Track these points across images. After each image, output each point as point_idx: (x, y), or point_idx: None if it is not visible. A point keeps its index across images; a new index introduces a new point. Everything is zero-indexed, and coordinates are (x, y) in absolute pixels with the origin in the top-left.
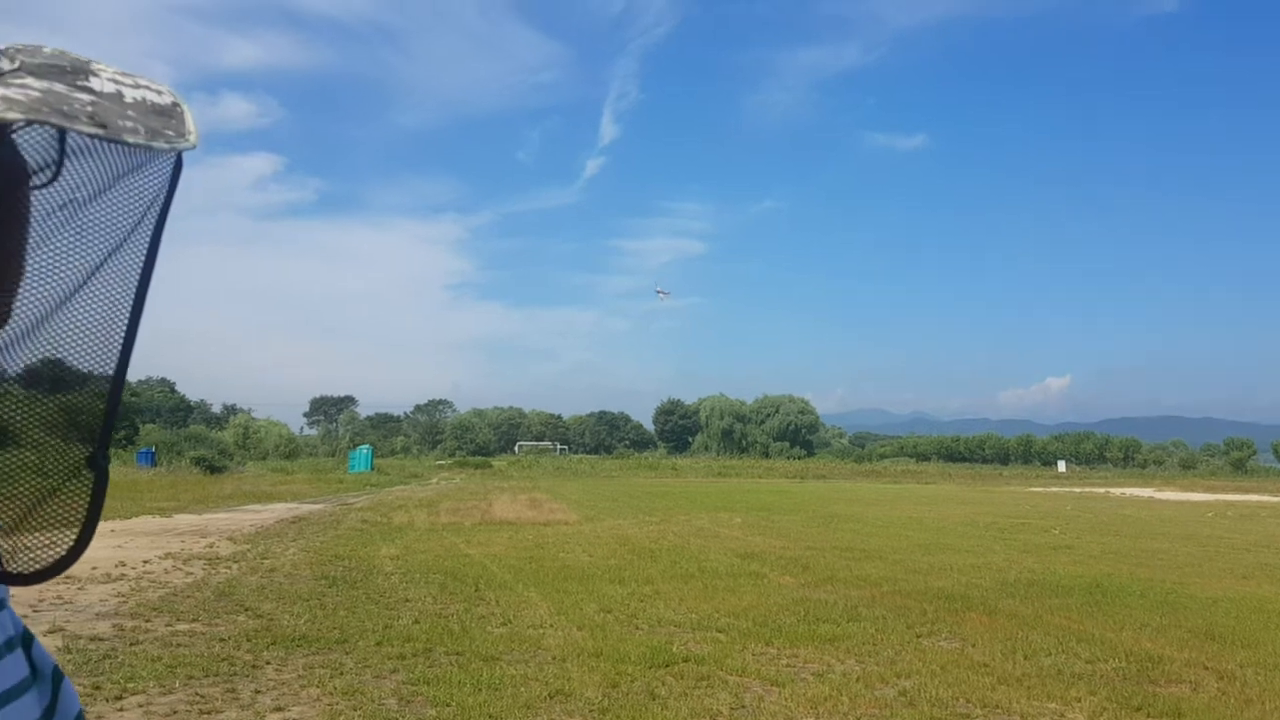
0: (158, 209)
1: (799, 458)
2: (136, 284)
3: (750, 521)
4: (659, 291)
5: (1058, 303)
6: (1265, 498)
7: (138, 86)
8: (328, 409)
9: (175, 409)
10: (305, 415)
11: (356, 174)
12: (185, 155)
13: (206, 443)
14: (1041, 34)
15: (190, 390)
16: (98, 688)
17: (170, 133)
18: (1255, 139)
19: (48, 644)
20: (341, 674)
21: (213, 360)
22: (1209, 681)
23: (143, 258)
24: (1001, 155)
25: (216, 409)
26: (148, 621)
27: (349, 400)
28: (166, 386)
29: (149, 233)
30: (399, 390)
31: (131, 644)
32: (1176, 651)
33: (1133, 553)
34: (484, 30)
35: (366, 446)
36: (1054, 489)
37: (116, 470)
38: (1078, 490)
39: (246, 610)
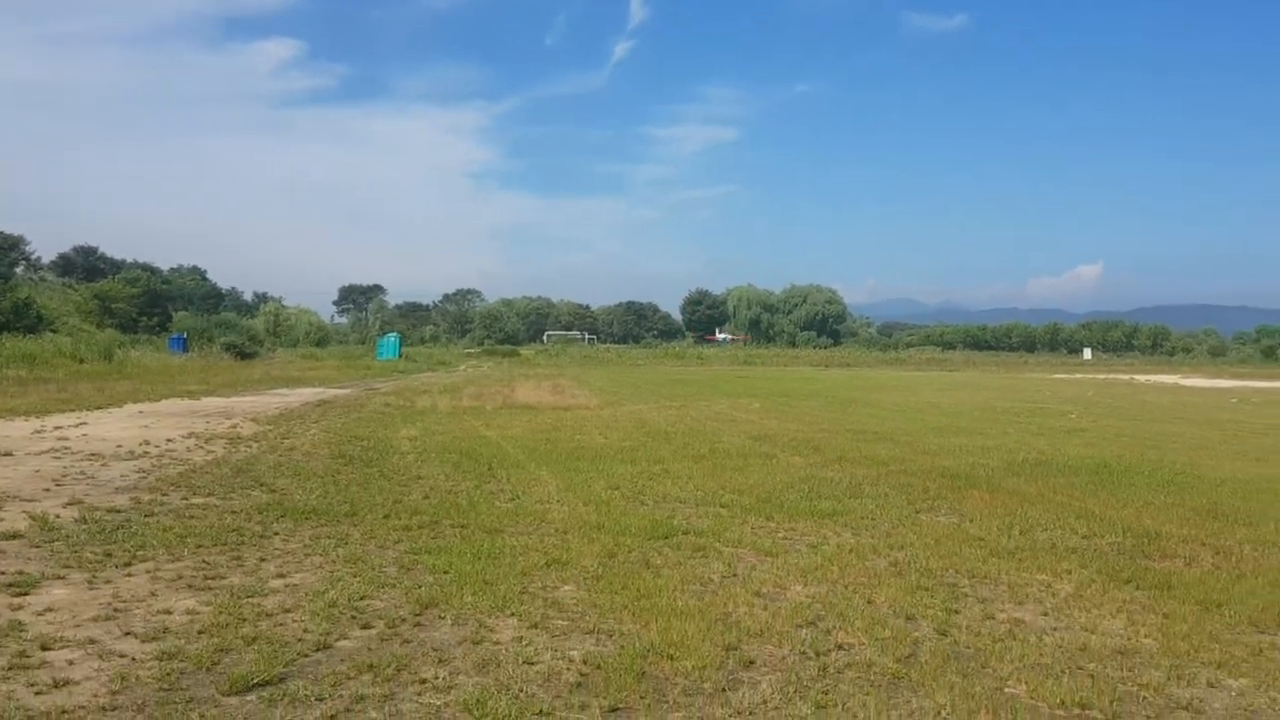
0: None
1: (825, 347)
2: None
3: (769, 406)
4: (727, 337)
5: (1090, 190)
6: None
7: None
8: (357, 298)
9: (207, 296)
10: (335, 304)
11: (379, 59)
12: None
13: (237, 329)
14: None
15: (221, 279)
16: (109, 555)
17: None
18: None
19: (65, 516)
20: (346, 544)
21: (243, 249)
22: (1204, 557)
23: None
24: (1040, 38)
25: (248, 297)
26: (164, 495)
27: (378, 289)
28: (198, 274)
29: None
30: (427, 279)
31: (146, 515)
32: (1176, 528)
33: (1147, 436)
34: None
35: (395, 334)
36: (1078, 376)
37: (148, 355)
38: (1102, 377)
39: (261, 485)
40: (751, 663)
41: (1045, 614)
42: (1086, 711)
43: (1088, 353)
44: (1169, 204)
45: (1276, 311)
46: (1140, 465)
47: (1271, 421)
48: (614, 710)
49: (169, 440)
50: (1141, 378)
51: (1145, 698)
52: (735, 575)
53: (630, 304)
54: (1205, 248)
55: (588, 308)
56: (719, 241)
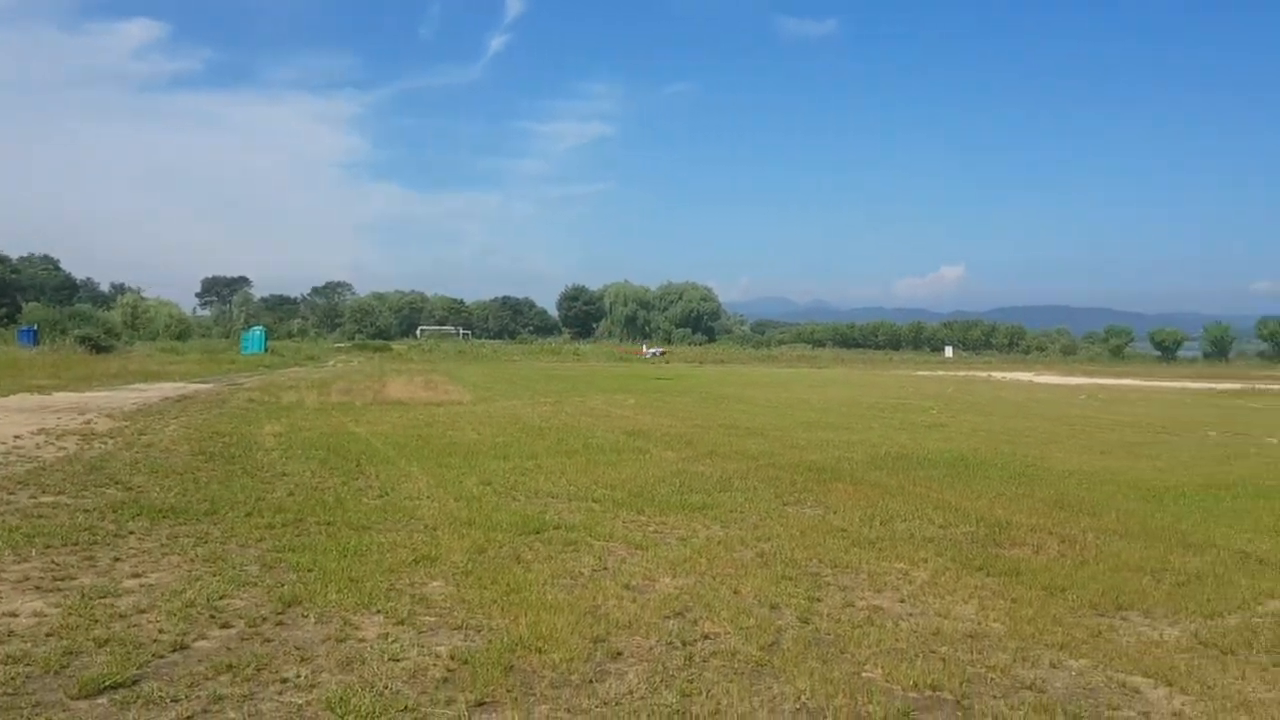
0: None
1: (700, 344)
2: None
3: (643, 402)
4: (656, 350)
5: (955, 193)
6: (1136, 381)
7: None
8: (221, 290)
9: (60, 287)
10: (198, 296)
11: (247, 43)
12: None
13: (92, 321)
14: None
15: (76, 269)
16: None
17: None
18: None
19: None
20: (206, 542)
21: (100, 238)
22: (1051, 545)
23: None
24: (906, 42)
25: (104, 288)
26: (11, 494)
27: (243, 281)
28: (50, 264)
29: None
30: (296, 272)
31: None
32: (1026, 518)
33: (1002, 431)
34: None
35: (260, 328)
36: (939, 373)
37: None
38: (962, 374)
39: (116, 484)
40: (619, 654)
41: (902, 601)
42: (938, 693)
43: (949, 351)
44: (1027, 208)
45: (1125, 313)
46: (994, 459)
47: (1117, 417)
48: (480, 705)
49: (17, 437)
50: (998, 375)
51: (992, 679)
52: (606, 569)
53: (506, 299)
54: (1060, 251)
55: (463, 303)
56: (596, 238)
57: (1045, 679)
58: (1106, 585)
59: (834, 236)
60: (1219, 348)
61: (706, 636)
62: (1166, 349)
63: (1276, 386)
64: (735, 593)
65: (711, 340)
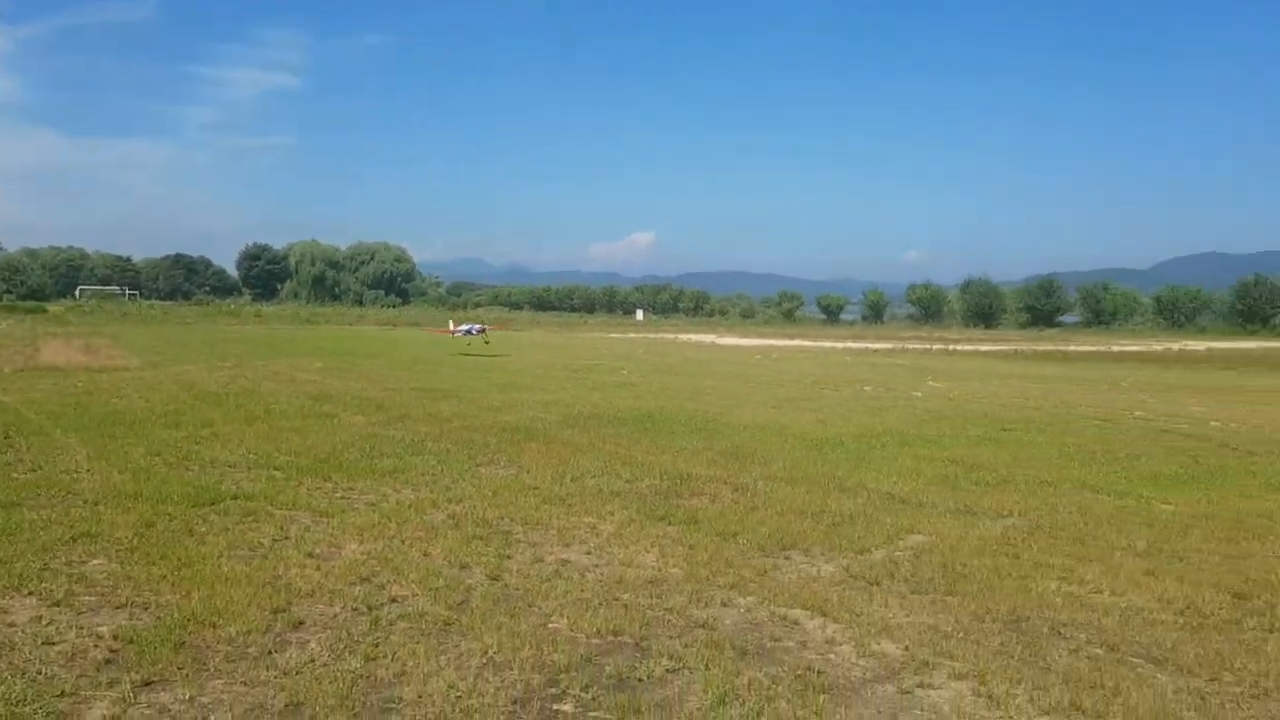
0: None
1: (394, 306)
2: None
3: (332, 366)
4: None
5: (647, 163)
6: (805, 342)
7: None
8: None
9: None
10: None
11: None
12: None
13: None
14: None
15: None
16: None
17: None
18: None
19: None
20: None
21: None
22: (726, 493)
23: None
24: (610, 9)
25: None
26: None
27: None
28: None
29: None
30: None
31: None
32: (705, 469)
33: (687, 389)
34: None
35: None
36: (630, 335)
37: None
38: (652, 336)
39: None
40: (301, 623)
41: (589, 553)
42: (619, 637)
43: (640, 314)
44: (712, 181)
45: (796, 279)
46: (679, 415)
47: (787, 375)
48: (147, 684)
49: None
50: (685, 337)
51: (670, 620)
52: (288, 538)
53: (179, 257)
54: (740, 222)
55: (130, 260)
56: (281, 194)
57: (717, 617)
58: (773, 528)
59: (531, 200)
60: (876, 311)
61: (394, 600)
62: (831, 312)
63: (921, 346)
64: (425, 555)
65: (406, 302)
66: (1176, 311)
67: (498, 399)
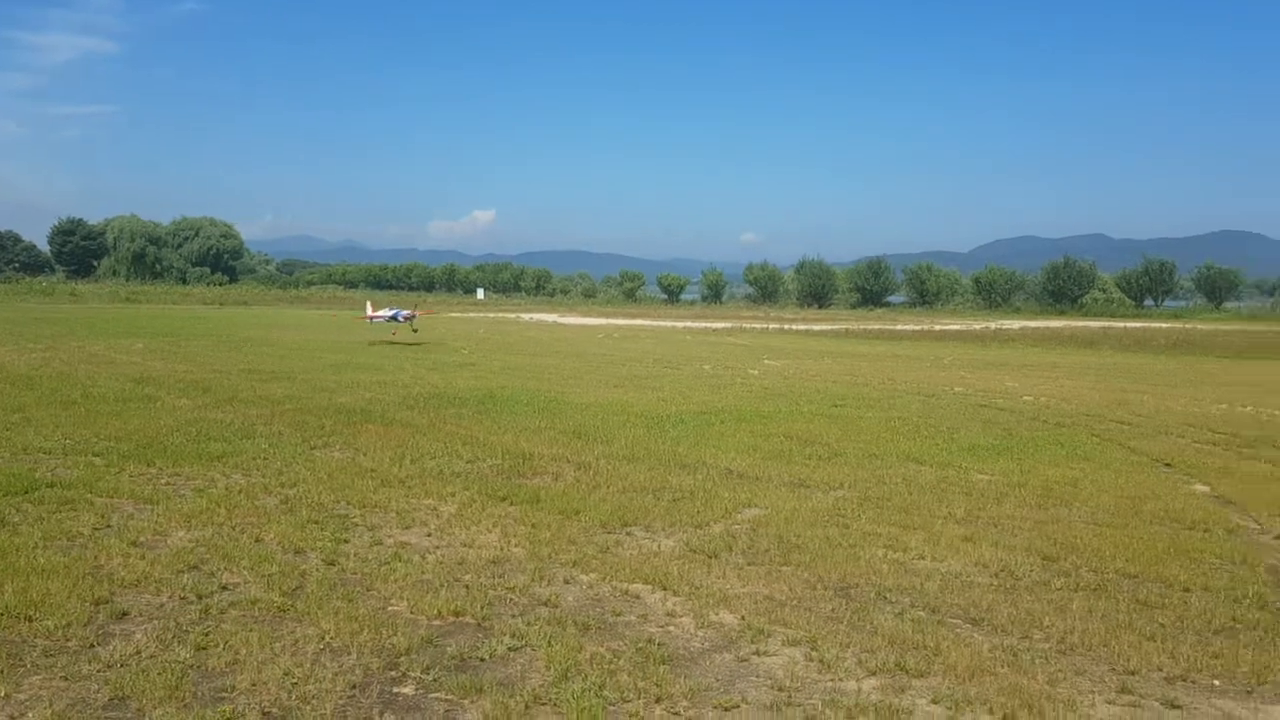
0: None
1: (221, 284)
2: None
3: (154, 347)
4: (393, 313)
5: (487, 142)
6: (647, 322)
7: None
8: None
9: None
10: None
11: None
12: None
13: None
14: None
15: None
16: None
17: None
18: None
19: None
20: None
21: None
22: (569, 472)
23: None
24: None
25: None
26: None
27: None
28: None
29: None
30: None
31: None
32: (547, 448)
33: (529, 368)
34: None
35: None
36: (471, 314)
37: None
38: (493, 315)
39: None
40: (125, 614)
41: (430, 535)
42: (461, 618)
43: (481, 293)
44: (553, 160)
45: (636, 259)
46: (521, 395)
47: (629, 355)
48: None
49: None
50: (527, 316)
51: (512, 599)
52: (109, 526)
53: None
54: (581, 201)
55: None
56: (98, 166)
57: (559, 594)
58: (615, 505)
59: (367, 176)
60: (715, 291)
61: (225, 587)
62: (672, 292)
63: (759, 325)
64: (257, 541)
65: (234, 281)
66: (993, 292)
67: (332, 380)
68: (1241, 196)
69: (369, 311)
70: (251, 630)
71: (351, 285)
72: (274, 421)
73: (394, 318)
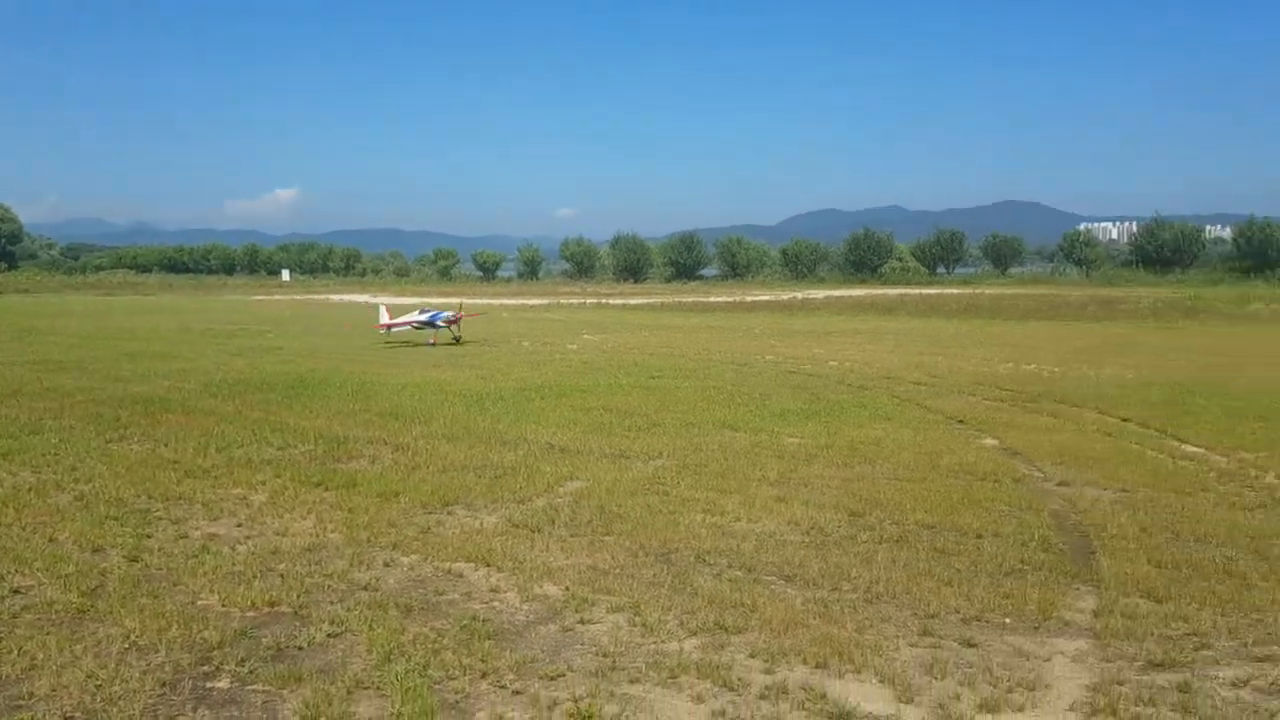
0: None
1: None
2: None
3: None
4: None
5: (287, 116)
6: (463, 299)
7: None
8: None
9: None
10: None
11: None
12: None
13: None
14: None
15: None
16: None
17: None
18: None
19: None
20: None
21: None
22: (386, 454)
23: None
24: None
25: None
26: None
27: None
28: None
29: None
30: None
31: None
32: (363, 431)
33: (340, 350)
34: None
35: None
36: (277, 297)
37: None
38: (299, 297)
39: None
40: None
41: (239, 525)
42: (276, 608)
43: (286, 274)
44: (363, 134)
45: (449, 236)
46: (332, 378)
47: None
48: None
49: None
50: (337, 298)
51: (330, 586)
52: None
53: None
54: (391, 177)
55: None
56: None
57: (380, 578)
58: (435, 485)
59: (157, 156)
60: (531, 268)
61: (17, 591)
62: (488, 269)
63: (576, 300)
64: (51, 540)
65: (13, 267)
66: (800, 263)
67: (128, 369)
68: (1023, 169)
69: (384, 319)
70: (49, 634)
71: (145, 269)
72: (64, 415)
73: (429, 322)
